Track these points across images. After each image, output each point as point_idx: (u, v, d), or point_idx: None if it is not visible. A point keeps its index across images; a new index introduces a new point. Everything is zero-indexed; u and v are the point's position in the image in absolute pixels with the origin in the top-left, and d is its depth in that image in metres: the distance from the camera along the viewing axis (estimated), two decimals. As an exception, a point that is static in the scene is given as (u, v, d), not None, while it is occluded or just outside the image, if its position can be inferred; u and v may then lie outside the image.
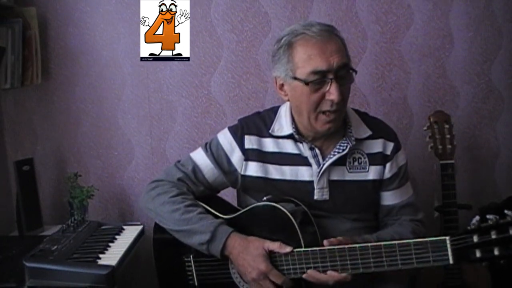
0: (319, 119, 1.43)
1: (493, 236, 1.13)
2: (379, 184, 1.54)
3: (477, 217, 1.17)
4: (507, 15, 2.18)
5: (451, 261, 1.21)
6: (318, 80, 1.38)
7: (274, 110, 1.57)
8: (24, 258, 1.45)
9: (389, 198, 1.56)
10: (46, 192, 2.22)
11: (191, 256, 1.49)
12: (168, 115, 2.21)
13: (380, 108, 2.18)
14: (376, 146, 1.52)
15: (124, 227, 1.91)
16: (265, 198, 1.45)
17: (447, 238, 1.20)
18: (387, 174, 1.53)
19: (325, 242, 1.34)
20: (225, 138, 1.55)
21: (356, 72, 1.44)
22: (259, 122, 1.55)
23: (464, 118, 2.23)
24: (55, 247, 1.57)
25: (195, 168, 1.54)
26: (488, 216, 1.15)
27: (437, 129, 1.93)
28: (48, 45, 2.17)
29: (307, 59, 1.39)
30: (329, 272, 1.32)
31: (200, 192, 1.56)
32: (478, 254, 1.16)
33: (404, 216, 1.56)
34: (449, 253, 1.20)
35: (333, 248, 1.32)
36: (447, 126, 1.93)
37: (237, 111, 2.15)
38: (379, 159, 1.52)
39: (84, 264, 1.49)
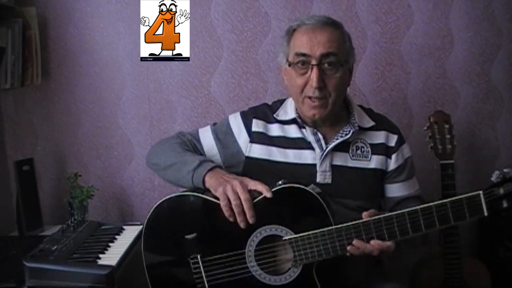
0: (305, 103, 1.50)
1: None
2: (382, 175, 1.58)
3: (497, 172, 1.30)
4: (507, 15, 2.18)
5: (485, 213, 1.28)
6: (300, 62, 1.47)
7: (281, 101, 1.66)
8: (24, 258, 1.45)
9: (397, 190, 1.60)
10: (46, 192, 2.22)
11: (199, 256, 1.41)
12: (168, 115, 2.21)
13: (380, 108, 2.17)
14: (379, 137, 1.58)
15: (124, 227, 1.91)
16: (280, 182, 1.40)
17: (481, 192, 1.29)
18: (393, 165, 1.57)
19: (364, 214, 1.34)
20: (235, 121, 1.63)
21: (342, 65, 1.47)
22: (267, 110, 1.63)
23: (464, 118, 2.23)
24: (55, 247, 1.57)
25: (198, 141, 1.63)
26: (505, 170, 1.30)
27: (437, 129, 1.93)
28: (48, 45, 2.17)
29: (297, 43, 1.49)
30: (372, 242, 1.32)
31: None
32: (505, 204, 1.27)
33: (411, 205, 1.58)
34: (483, 206, 1.28)
35: (368, 221, 1.32)
36: (447, 126, 1.93)
37: (237, 111, 2.14)
38: (382, 149, 1.57)
39: (84, 264, 1.49)
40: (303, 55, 1.46)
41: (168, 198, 1.47)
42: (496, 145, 2.26)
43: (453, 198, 1.31)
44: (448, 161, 1.91)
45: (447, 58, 2.20)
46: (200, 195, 1.44)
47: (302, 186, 1.37)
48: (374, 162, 1.56)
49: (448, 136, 1.92)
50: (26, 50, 2.05)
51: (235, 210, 1.35)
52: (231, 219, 1.37)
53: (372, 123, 1.58)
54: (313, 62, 1.45)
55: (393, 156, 1.57)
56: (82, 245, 1.67)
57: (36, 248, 1.57)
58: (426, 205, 1.32)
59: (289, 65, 1.51)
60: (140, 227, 1.92)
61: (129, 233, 1.85)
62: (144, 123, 2.22)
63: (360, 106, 1.64)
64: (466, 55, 2.20)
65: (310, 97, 1.48)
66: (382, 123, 1.60)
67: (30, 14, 2.06)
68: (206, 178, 1.43)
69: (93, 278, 1.42)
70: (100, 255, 1.59)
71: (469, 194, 1.30)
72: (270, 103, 1.69)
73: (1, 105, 2.18)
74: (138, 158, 2.23)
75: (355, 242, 1.33)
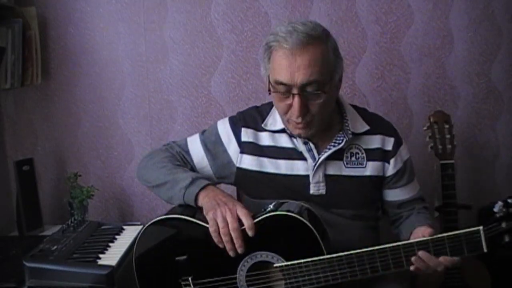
0: (290, 123, 1.43)
1: None
2: (379, 181, 1.53)
3: (500, 203, 1.24)
4: (507, 15, 2.18)
5: (485, 250, 1.25)
6: (282, 91, 1.37)
7: (271, 105, 1.56)
8: (24, 258, 1.45)
9: (398, 194, 1.56)
10: (46, 192, 2.22)
11: (190, 279, 1.37)
12: (168, 115, 2.21)
13: (380, 108, 2.18)
14: (375, 141, 1.51)
15: (124, 227, 1.91)
16: (271, 207, 1.37)
17: (481, 228, 1.24)
18: (392, 170, 1.52)
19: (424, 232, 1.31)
20: (224, 128, 1.56)
21: (325, 92, 1.36)
22: (256, 116, 1.55)
23: (464, 118, 2.23)
24: (55, 247, 1.56)
25: (188, 153, 1.57)
26: (509, 201, 1.23)
27: (437, 129, 1.93)
28: (48, 45, 2.17)
29: (276, 68, 1.37)
30: (442, 257, 1.27)
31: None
32: (507, 238, 1.24)
33: (417, 205, 1.58)
34: (483, 242, 1.24)
35: (361, 252, 1.29)
36: (447, 126, 1.93)
37: (237, 111, 2.14)
38: (378, 155, 1.51)
39: (84, 264, 1.49)
40: (283, 84, 1.35)
41: (160, 219, 1.42)
42: (496, 145, 2.26)
43: (451, 233, 1.27)
44: (448, 161, 1.91)
45: (447, 58, 2.20)
46: (192, 219, 1.40)
47: (293, 214, 1.32)
48: (370, 168, 1.49)
49: (448, 136, 1.92)
50: (26, 50, 2.05)
51: (223, 238, 1.31)
52: (220, 245, 1.32)
53: (366, 127, 1.51)
54: (294, 91, 1.35)
55: (392, 160, 1.51)
56: (82, 245, 1.67)
57: (36, 248, 1.56)
58: (423, 238, 1.29)
59: (271, 88, 1.40)
60: (140, 227, 1.92)
61: (129, 233, 1.85)
62: (144, 123, 2.22)
63: (354, 106, 1.56)
64: (466, 55, 2.20)
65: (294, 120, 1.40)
66: (377, 126, 1.53)
67: (30, 14, 2.06)
68: (199, 198, 1.39)
69: (93, 278, 1.41)
70: (100, 255, 1.58)
71: (469, 230, 1.25)
72: (259, 105, 1.62)
73: (1, 105, 2.18)
74: (138, 158, 2.23)
75: (421, 253, 1.28)
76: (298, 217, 1.32)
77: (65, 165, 2.23)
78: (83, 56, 2.18)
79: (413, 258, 1.29)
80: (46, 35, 2.16)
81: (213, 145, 1.55)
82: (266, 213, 1.35)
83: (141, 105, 2.21)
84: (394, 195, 1.56)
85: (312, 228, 1.31)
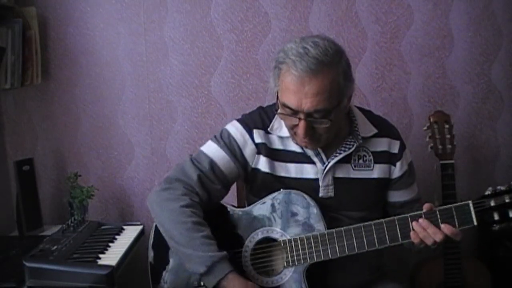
0: (296, 137, 1.44)
1: (507, 200, 1.31)
2: (385, 183, 1.54)
3: (490, 188, 1.34)
4: (507, 15, 2.18)
5: (475, 223, 1.33)
6: (288, 113, 1.37)
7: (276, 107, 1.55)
8: (24, 258, 1.45)
9: (401, 195, 1.58)
10: (46, 192, 2.22)
11: (202, 283, 1.41)
12: (168, 115, 2.21)
13: (380, 108, 2.18)
14: (382, 144, 1.53)
15: (124, 227, 1.91)
16: (281, 190, 1.46)
17: (470, 202, 1.33)
18: (398, 173, 1.54)
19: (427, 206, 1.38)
20: (236, 130, 1.52)
21: (331, 120, 1.36)
22: (264, 118, 1.53)
23: (464, 118, 2.23)
24: (55, 247, 1.57)
25: (212, 163, 1.48)
26: (498, 187, 1.33)
27: (437, 129, 1.93)
28: (48, 45, 2.17)
29: (284, 91, 1.36)
30: (443, 225, 1.34)
31: (216, 192, 1.49)
32: (496, 216, 1.32)
33: (415, 205, 1.59)
34: (473, 215, 1.33)
35: (359, 226, 1.39)
36: (447, 126, 1.93)
37: (237, 111, 2.15)
38: (385, 157, 1.53)
39: (84, 264, 1.50)
40: (290, 108, 1.35)
41: None
42: (496, 145, 2.26)
43: (443, 207, 1.34)
44: (448, 161, 1.91)
45: (447, 58, 2.20)
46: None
47: (299, 192, 1.44)
48: (377, 171, 1.51)
49: (448, 136, 1.92)
50: (26, 50, 2.05)
51: None
52: None
53: (374, 131, 1.52)
54: (301, 116, 1.35)
55: (398, 163, 1.53)
56: (82, 245, 1.67)
57: (36, 248, 1.57)
58: (416, 212, 1.37)
59: (279, 106, 1.40)
60: (140, 227, 1.93)
61: (129, 233, 1.85)
62: (144, 123, 2.22)
63: (359, 109, 1.57)
64: (466, 55, 2.20)
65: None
66: (384, 129, 1.54)
67: (30, 14, 2.06)
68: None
69: (93, 278, 1.42)
70: (100, 255, 1.59)
71: (459, 203, 1.33)
72: (264, 105, 1.60)
73: (1, 105, 2.18)
74: (138, 158, 2.23)
75: (421, 220, 1.35)
76: (304, 194, 1.44)
77: (65, 165, 2.23)
78: (83, 56, 2.18)
79: (413, 223, 1.36)
80: (46, 35, 2.15)
81: (230, 147, 1.50)
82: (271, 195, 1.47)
83: (141, 105, 2.21)
84: (397, 196, 1.58)
85: (316, 205, 1.42)
